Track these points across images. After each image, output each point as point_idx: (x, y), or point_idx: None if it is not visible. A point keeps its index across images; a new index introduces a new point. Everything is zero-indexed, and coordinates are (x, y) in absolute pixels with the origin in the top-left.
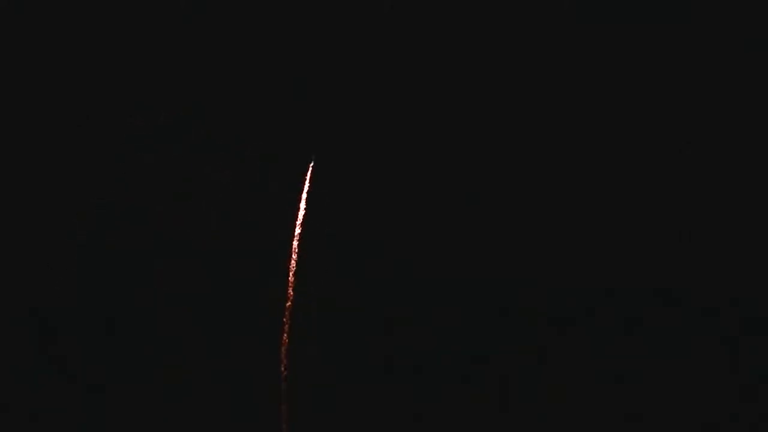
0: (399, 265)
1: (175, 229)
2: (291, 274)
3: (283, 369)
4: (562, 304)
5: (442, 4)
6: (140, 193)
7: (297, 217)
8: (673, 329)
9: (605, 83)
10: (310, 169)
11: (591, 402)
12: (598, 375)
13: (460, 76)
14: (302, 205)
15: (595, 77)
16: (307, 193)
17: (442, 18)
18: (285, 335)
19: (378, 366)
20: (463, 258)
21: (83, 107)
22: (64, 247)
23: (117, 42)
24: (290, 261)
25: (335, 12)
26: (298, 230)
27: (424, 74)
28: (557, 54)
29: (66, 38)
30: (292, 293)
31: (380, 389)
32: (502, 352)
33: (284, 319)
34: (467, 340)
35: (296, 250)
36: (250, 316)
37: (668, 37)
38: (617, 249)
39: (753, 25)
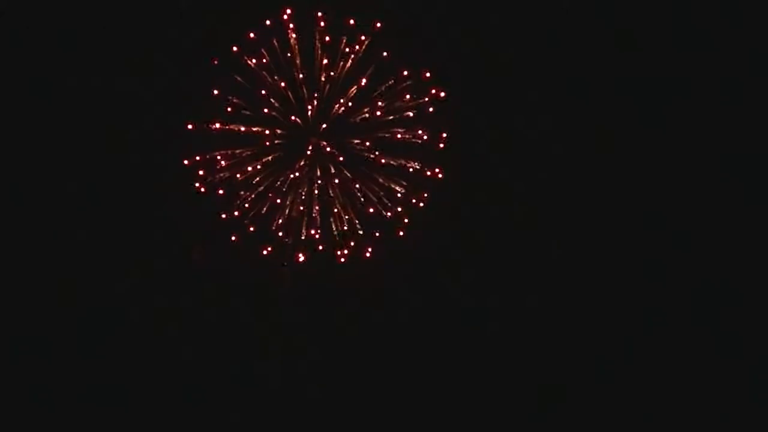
0: (399, 266)
1: (175, 230)
2: (288, 272)
3: (281, 367)
4: (562, 303)
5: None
6: (140, 192)
7: (296, 217)
8: (673, 329)
9: (605, 84)
10: (308, 169)
11: (590, 401)
12: (597, 375)
13: (459, 78)
14: (300, 204)
15: (596, 79)
16: (306, 192)
17: (440, 20)
18: (282, 334)
19: (377, 365)
20: (463, 259)
21: (83, 107)
22: (64, 247)
23: (117, 43)
24: (288, 260)
25: (334, 14)
26: (296, 230)
27: (422, 77)
28: (558, 55)
29: (66, 40)
30: (290, 293)
31: (379, 388)
32: (501, 351)
33: (282, 318)
34: (465, 339)
35: (294, 250)
36: (249, 315)
37: (668, 39)
38: (616, 249)
39: (752, 27)
